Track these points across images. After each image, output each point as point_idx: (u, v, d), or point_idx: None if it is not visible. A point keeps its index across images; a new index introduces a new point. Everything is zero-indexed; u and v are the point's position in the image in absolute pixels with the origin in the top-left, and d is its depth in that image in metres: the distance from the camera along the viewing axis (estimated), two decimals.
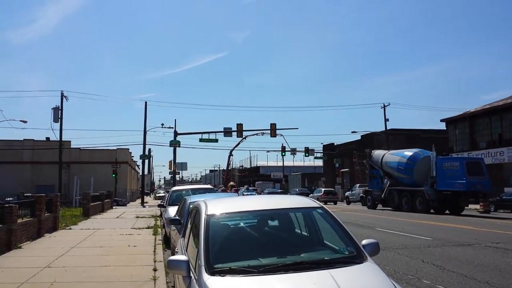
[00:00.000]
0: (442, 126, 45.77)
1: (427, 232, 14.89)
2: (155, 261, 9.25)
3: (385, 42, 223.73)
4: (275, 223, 4.77)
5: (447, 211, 27.26)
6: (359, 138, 61.52)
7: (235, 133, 44.73)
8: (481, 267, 8.49)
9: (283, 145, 59.66)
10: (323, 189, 44.55)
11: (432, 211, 27.23)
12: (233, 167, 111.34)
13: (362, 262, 3.79)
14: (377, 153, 35.94)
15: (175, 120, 46.47)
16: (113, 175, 51.55)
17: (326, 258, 3.94)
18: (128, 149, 62.81)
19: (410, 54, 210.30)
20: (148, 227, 16.49)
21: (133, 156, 71.87)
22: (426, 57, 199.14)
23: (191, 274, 3.82)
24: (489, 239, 12.83)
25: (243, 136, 48.00)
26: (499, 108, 38.52)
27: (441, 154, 31.39)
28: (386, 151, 35.20)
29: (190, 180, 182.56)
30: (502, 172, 37.02)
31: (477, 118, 41.00)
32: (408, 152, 31.60)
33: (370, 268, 3.72)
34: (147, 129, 45.15)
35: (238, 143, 56.63)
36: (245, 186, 74.43)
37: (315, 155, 63.93)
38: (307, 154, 60.52)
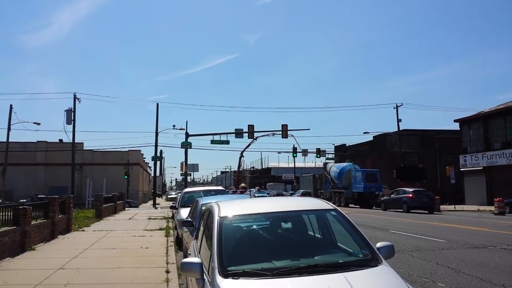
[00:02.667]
0: (456, 126, 45.28)
1: (441, 234, 14.71)
2: (167, 263, 9.26)
3: (398, 43, 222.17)
4: (288, 225, 4.73)
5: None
6: (371, 139, 61.17)
7: (246, 134, 44.77)
8: (497, 270, 8.35)
9: (295, 146, 59.65)
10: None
11: (352, 205, 39.07)
12: (244, 168, 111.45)
13: (377, 265, 3.73)
14: (329, 165, 49.76)
15: (187, 121, 46.86)
16: (125, 177, 51.89)
17: (340, 261, 3.88)
18: (140, 150, 63.26)
19: (424, 55, 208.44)
20: (160, 229, 16.53)
21: (145, 158, 72.33)
22: (440, 58, 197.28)
23: (205, 277, 3.80)
24: (505, 241, 12.63)
25: (254, 137, 48.00)
26: None
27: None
28: (333, 163, 50.23)
29: (201, 181, 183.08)
30: None
31: (491, 119, 40.47)
32: (341, 165, 46.44)
33: (386, 271, 3.66)
34: (158, 131, 45.43)
35: (249, 144, 56.70)
36: (256, 188, 74.42)
37: (326, 156, 63.72)
38: (318, 155, 60.33)
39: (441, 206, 33.82)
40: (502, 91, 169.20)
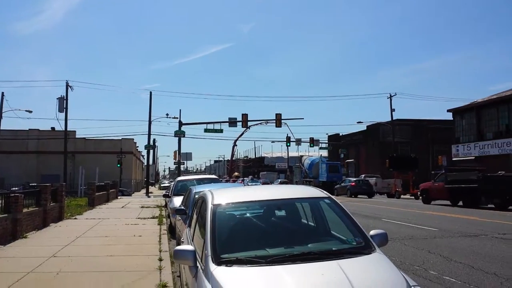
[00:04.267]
0: (449, 116, 45.43)
1: (433, 222, 14.82)
2: (160, 251, 9.24)
3: (392, 34, 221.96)
4: (282, 213, 4.72)
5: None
6: (365, 128, 61.30)
7: (240, 123, 44.66)
8: (488, 258, 8.42)
9: (288, 136, 59.60)
10: (353, 179, 41.73)
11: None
12: (238, 157, 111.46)
13: (370, 253, 3.73)
14: (303, 157, 57.34)
15: (180, 110, 46.67)
16: (118, 165, 51.73)
17: (334, 249, 3.88)
18: (133, 139, 63.08)
19: (418, 45, 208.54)
20: (153, 217, 16.51)
21: (138, 146, 72.12)
22: (434, 49, 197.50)
23: (198, 264, 3.78)
24: (496, 229, 12.74)
25: (248, 126, 47.96)
26: (507, 99, 38.12)
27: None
28: (307, 156, 57.45)
29: (194, 170, 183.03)
30: (509, 162, 36.78)
31: (484, 109, 40.64)
32: (312, 157, 54.95)
33: (379, 258, 3.66)
34: (152, 119, 45.16)
35: (242, 133, 56.80)
36: (250, 177, 74.57)
37: (320, 146, 63.83)
38: (312, 145, 60.38)
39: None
40: (495, 82, 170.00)
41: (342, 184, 40.24)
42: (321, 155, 59.52)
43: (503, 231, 12.25)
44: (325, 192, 4.87)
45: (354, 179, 40.45)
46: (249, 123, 47.76)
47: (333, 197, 4.74)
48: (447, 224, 14.33)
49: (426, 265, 7.84)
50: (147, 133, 45.10)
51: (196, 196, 6.16)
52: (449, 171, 28.17)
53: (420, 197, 30.06)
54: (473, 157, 40.48)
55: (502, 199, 22.81)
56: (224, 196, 4.60)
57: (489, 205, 23.78)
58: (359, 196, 37.10)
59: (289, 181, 63.90)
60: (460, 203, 25.71)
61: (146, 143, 46.05)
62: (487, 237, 11.37)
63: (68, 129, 42.50)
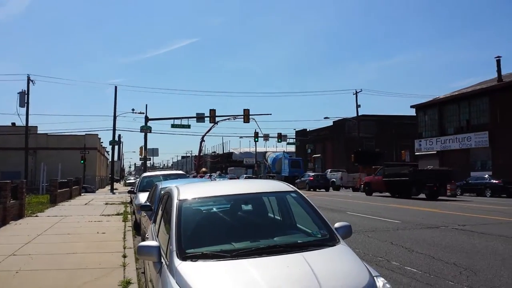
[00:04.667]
0: (412, 112, 46.62)
1: (396, 215, 15.20)
2: (124, 248, 9.08)
3: (358, 30, 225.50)
4: (249, 207, 4.72)
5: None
6: (331, 124, 62.13)
7: (208, 118, 44.36)
8: (448, 249, 8.70)
9: (256, 131, 59.65)
10: (312, 173, 44.86)
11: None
12: (205, 153, 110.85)
13: (335, 245, 3.79)
14: (267, 153, 61.79)
15: (146, 105, 45.71)
16: (82, 162, 50.52)
17: (299, 241, 3.92)
18: (97, 134, 61.65)
19: (383, 42, 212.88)
20: (118, 214, 16.22)
21: (102, 142, 70.55)
22: (399, 46, 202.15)
23: (162, 260, 3.73)
24: (456, 221, 13.19)
25: (216, 122, 47.74)
26: (468, 95, 39.49)
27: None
28: (270, 152, 62.23)
29: (161, 166, 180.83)
30: (469, 157, 38.14)
31: (446, 105, 41.94)
32: (276, 153, 58.13)
33: (343, 250, 3.72)
34: (117, 114, 44.29)
35: (210, 129, 56.74)
36: (217, 172, 74.32)
37: (288, 141, 64.33)
38: (280, 140, 60.71)
39: None
40: (456, 79, 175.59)
41: (302, 178, 42.33)
42: (283, 151, 61.62)
43: (463, 223, 12.69)
44: (291, 186, 4.89)
45: (313, 174, 43.30)
46: (217, 119, 47.52)
47: (299, 191, 4.77)
48: (409, 217, 14.72)
49: (389, 256, 8.04)
50: (112, 128, 44.21)
51: (162, 192, 6.06)
52: (387, 166, 31.82)
53: (364, 190, 32.76)
54: (435, 152, 41.76)
55: (430, 190, 26.15)
56: (190, 191, 4.55)
57: (420, 196, 26.73)
58: (317, 190, 39.28)
59: (256, 176, 64.69)
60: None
61: (111, 139, 45.15)
62: (447, 228, 11.75)
63: (29, 125, 41.19)
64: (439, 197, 25.68)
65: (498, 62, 38.64)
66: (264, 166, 60.64)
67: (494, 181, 28.45)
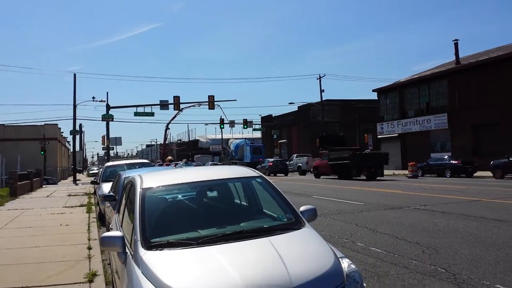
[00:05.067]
0: (374, 96, 47.51)
1: (360, 197, 15.54)
2: (89, 240, 8.89)
3: (322, 16, 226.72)
4: (214, 194, 4.69)
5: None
6: (296, 109, 62.56)
7: (172, 106, 43.75)
8: (411, 229, 8.97)
9: (222, 118, 59.36)
10: (271, 159, 46.79)
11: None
12: (171, 141, 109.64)
13: (300, 228, 3.82)
14: (230, 141, 62.80)
15: (107, 92, 44.65)
16: (42, 152, 49.00)
17: (265, 226, 3.93)
18: (57, 124, 59.77)
19: (346, 28, 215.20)
20: (82, 205, 15.86)
21: (62, 132, 68.57)
22: (361, 31, 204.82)
23: (127, 250, 3.66)
24: (418, 202, 13.60)
25: (180, 109, 47.16)
26: (427, 78, 40.51)
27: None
28: (233, 140, 63.08)
29: (125, 155, 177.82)
30: (429, 138, 39.30)
31: (406, 88, 42.92)
32: (238, 141, 59.47)
33: (308, 233, 3.76)
34: (77, 103, 43.02)
35: (175, 116, 55.88)
36: (184, 160, 73.71)
37: (253, 127, 64.34)
38: (245, 126, 60.67)
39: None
40: (417, 62, 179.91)
41: (262, 164, 44.17)
42: (245, 139, 62.92)
43: (424, 203, 13.10)
44: (257, 171, 4.89)
45: (272, 159, 45.53)
46: (182, 106, 46.89)
47: (264, 176, 4.78)
48: (373, 198, 15.08)
49: (354, 238, 8.21)
50: (72, 117, 42.97)
51: (125, 181, 5.94)
52: (331, 151, 33.78)
53: (313, 173, 35.94)
54: (397, 134, 42.81)
55: (369, 172, 29.64)
56: (154, 179, 4.47)
57: (362, 177, 30.02)
58: (277, 174, 41.66)
59: (222, 163, 65.39)
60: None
61: (72, 128, 43.92)
62: (409, 208, 12.11)
63: None
64: (401, 179, 26.44)
65: (456, 45, 39.79)
66: (227, 153, 62.15)
67: (454, 161, 29.48)
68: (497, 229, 8.50)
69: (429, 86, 39.99)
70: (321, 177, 33.63)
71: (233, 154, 57.31)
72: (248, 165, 45.02)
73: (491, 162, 25.12)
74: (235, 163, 50.51)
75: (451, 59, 42.15)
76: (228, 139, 66.80)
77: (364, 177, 29.90)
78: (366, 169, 29.86)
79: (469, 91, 35.00)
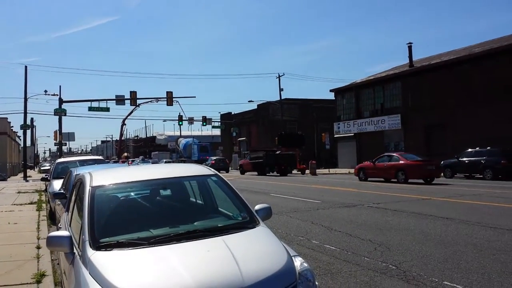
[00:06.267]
0: (332, 96, 48.33)
1: (317, 195, 15.77)
2: (38, 239, 8.56)
3: (282, 16, 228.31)
4: (168, 192, 4.61)
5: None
6: (256, 107, 62.72)
7: (129, 101, 42.82)
8: (364, 226, 9.18)
9: (180, 114, 58.73)
10: (213, 158, 49.83)
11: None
12: (127, 137, 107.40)
13: (254, 227, 3.82)
14: (179, 139, 64.49)
15: (60, 86, 42.80)
16: None
17: (219, 225, 3.91)
18: (7, 118, 57.17)
19: (305, 29, 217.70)
20: (31, 203, 15.26)
21: (12, 127, 65.63)
22: (320, 32, 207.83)
23: (75, 250, 3.53)
24: (371, 200, 13.95)
25: (137, 104, 46.25)
26: (382, 80, 41.62)
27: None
28: (182, 139, 64.87)
29: (79, 151, 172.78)
30: (383, 138, 40.41)
31: (362, 89, 43.91)
32: (186, 140, 61.32)
33: (262, 232, 3.76)
34: (28, 96, 41.32)
35: (131, 112, 54.98)
36: (140, 157, 72.52)
37: (212, 124, 63.99)
38: (204, 123, 60.37)
39: (317, 170, 36.67)
40: (372, 64, 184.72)
41: (206, 162, 46.23)
42: (193, 138, 65.36)
43: (377, 201, 13.45)
44: (212, 169, 4.85)
45: (215, 158, 49.34)
46: (139, 101, 45.95)
47: (220, 174, 4.74)
48: (329, 196, 15.34)
49: (309, 235, 8.31)
50: (23, 111, 41.24)
51: (76, 179, 5.75)
52: (251, 151, 41.28)
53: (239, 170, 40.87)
54: (352, 134, 43.75)
55: (279, 169, 35.75)
56: (104, 177, 4.34)
57: (275, 174, 35.69)
58: (220, 171, 45.18)
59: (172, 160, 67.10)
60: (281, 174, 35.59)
61: (22, 123, 42.16)
62: (363, 207, 12.40)
63: None
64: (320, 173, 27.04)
65: (410, 48, 41.04)
66: (177, 151, 64.81)
67: None
68: (446, 227, 8.83)
69: (384, 87, 41.12)
70: (246, 173, 38.63)
71: (182, 152, 59.88)
72: (196, 162, 46.81)
73: (442, 162, 26.11)
74: (184, 161, 52.81)
75: (405, 61, 43.47)
76: (177, 138, 69.14)
77: (295, 174, 34.31)
78: (277, 167, 35.66)
79: (421, 93, 36.24)
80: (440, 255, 6.57)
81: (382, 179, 23.89)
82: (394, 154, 24.34)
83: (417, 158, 23.33)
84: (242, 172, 39.67)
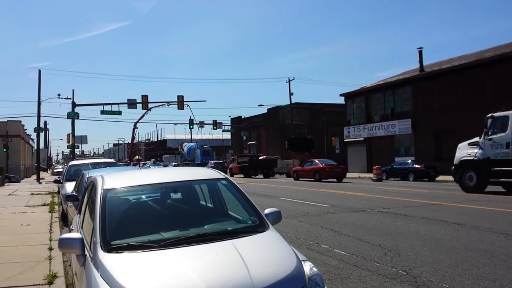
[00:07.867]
0: (342, 100, 48.21)
1: (327, 200, 15.72)
2: (50, 240, 8.65)
3: (293, 19, 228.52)
4: (178, 195, 4.65)
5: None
6: (266, 111, 62.78)
7: (140, 105, 43.14)
8: (374, 231, 9.13)
9: (191, 118, 58.93)
10: (213, 161, 50.93)
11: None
12: (139, 140, 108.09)
13: (264, 231, 3.83)
14: (183, 144, 65.21)
15: (73, 90, 43.29)
16: (4, 150, 47.46)
17: (229, 229, 3.93)
18: (21, 121, 58.11)
19: (316, 31, 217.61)
20: (44, 205, 15.43)
21: (26, 129, 66.60)
22: (330, 36, 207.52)
23: (86, 253, 3.58)
24: (381, 204, 13.87)
25: (148, 108, 46.57)
26: (392, 84, 41.46)
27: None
28: (186, 143, 65.05)
29: (92, 154, 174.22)
30: (393, 143, 40.20)
31: (372, 93, 43.78)
32: (190, 144, 62.38)
33: (271, 236, 3.77)
34: (42, 100, 41.84)
35: (143, 115, 55.34)
36: (152, 160, 73.01)
37: (223, 128, 64.15)
38: (215, 127, 60.49)
39: None
40: (382, 69, 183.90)
41: (207, 165, 48.59)
42: (196, 142, 66.64)
43: (387, 206, 13.37)
44: (222, 173, 4.88)
45: (214, 161, 51.15)
46: (150, 105, 46.38)
47: (230, 178, 4.77)
48: (338, 201, 15.29)
49: (319, 240, 8.30)
50: (37, 114, 41.74)
51: (88, 181, 5.82)
52: (239, 156, 46.02)
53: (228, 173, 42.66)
54: (363, 138, 43.59)
55: (263, 172, 40.69)
56: (116, 180, 4.39)
57: (259, 176, 39.47)
58: None
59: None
60: (263, 176, 40.63)
61: (36, 126, 42.66)
62: (373, 211, 12.33)
63: None
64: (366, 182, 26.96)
65: (420, 53, 40.83)
66: (181, 155, 65.45)
67: (417, 166, 30.22)
68: (457, 233, 8.76)
69: (394, 92, 40.93)
70: (234, 176, 41.72)
71: (186, 155, 61.09)
72: (198, 165, 48.24)
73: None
74: (188, 164, 54.77)
75: (416, 66, 43.26)
76: (182, 143, 70.12)
77: (285, 176, 39.29)
78: (260, 170, 40.48)
79: (432, 97, 36.00)
80: (450, 261, 6.51)
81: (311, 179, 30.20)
82: (315, 160, 32.20)
83: (331, 162, 31.41)
84: (231, 175, 42.44)
